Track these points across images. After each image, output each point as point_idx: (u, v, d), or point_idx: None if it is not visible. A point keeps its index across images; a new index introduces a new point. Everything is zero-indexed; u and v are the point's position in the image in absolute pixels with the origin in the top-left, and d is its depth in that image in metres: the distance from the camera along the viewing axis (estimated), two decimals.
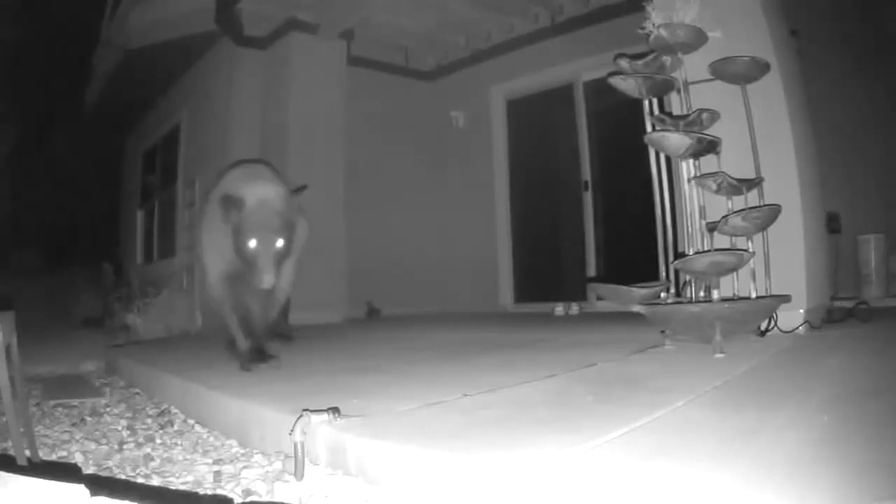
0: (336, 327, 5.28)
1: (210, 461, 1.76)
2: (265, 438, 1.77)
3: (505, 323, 5.13)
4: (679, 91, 2.90)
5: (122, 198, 9.95)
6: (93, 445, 2.01)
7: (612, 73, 2.92)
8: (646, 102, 2.91)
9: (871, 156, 4.39)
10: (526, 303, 6.40)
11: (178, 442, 2.01)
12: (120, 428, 2.26)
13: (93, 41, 8.04)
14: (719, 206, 2.76)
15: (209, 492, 1.49)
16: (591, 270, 5.89)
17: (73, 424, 2.33)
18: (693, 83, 2.90)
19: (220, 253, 2.71)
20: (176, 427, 2.23)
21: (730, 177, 2.67)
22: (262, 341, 2.87)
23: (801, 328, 2.80)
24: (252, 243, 2.44)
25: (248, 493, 1.45)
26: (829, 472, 1.06)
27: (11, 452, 1.65)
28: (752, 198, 2.74)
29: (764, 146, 2.80)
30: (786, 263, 2.81)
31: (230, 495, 1.43)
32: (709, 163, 2.82)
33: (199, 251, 3.07)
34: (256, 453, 1.76)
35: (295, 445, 1.43)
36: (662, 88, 2.89)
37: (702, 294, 2.73)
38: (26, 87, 11.28)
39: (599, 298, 5.47)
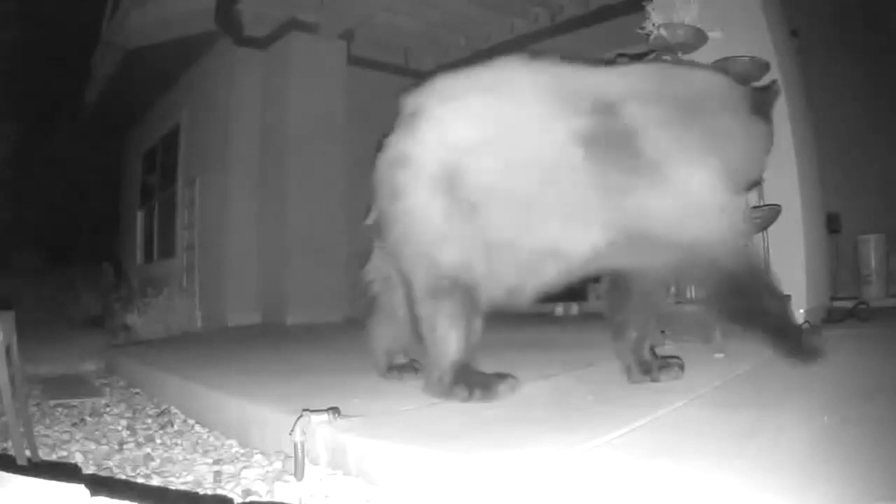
0: (336, 327, 5.28)
1: (210, 461, 1.76)
2: (265, 438, 1.77)
3: (505, 323, 5.13)
4: None
5: (122, 198, 9.95)
6: (93, 445, 2.01)
7: None
8: None
9: (871, 156, 4.39)
10: None
11: (178, 442, 2.02)
12: (120, 428, 2.26)
13: (93, 41, 8.05)
14: None
15: (209, 492, 1.49)
16: None
17: (73, 424, 2.34)
18: None
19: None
20: (176, 427, 2.23)
21: None
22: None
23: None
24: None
25: (248, 493, 1.45)
26: (829, 472, 1.06)
27: (11, 452, 1.65)
28: (752, 198, 2.74)
29: None
30: (786, 263, 2.81)
31: (230, 495, 1.43)
32: None
33: (414, 233, 1.75)
34: (256, 453, 1.76)
35: (295, 445, 1.43)
36: None
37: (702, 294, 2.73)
38: (26, 87, 11.28)
39: (599, 298, 5.46)
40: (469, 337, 1.71)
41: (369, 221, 1.95)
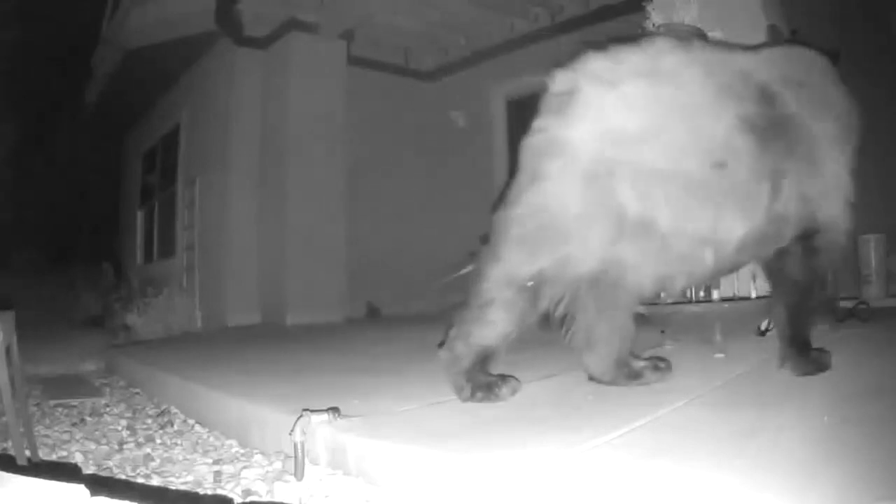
0: (336, 327, 5.28)
1: (210, 461, 1.76)
2: (265, 438, 1.77)
3: None
4: None
5: (122, 198, 9.95)
6: (93, 445, 2.01)
7: None
8: None
9: (872, 156, 4.38)
10: None
11: (178, 442, 2.02)
12: (120, 428, 2.26)
13: (93, 41, 8.04)
14: None
15: (209, 492, 1.49)
16: None
17: (73, 424, 2.34)
18: None
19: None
20: (176, 427, 2.23)
21: None
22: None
23: None
24: None
25: (248, 493, 1.45)
26: (829, 472, 1.06)
27: (11, 452, 1.65)
28: None
29: None
30: None
31: (230, 495, 1.43)
32: None
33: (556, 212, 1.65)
34: (256, 453, 1.76)
35: (295, 445, 1.43)
36: None
37: (702, 294, 2.73)
38: (26, 87, 11.28)
39: None
40: (511, 333, 1.72)
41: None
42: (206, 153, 6.58)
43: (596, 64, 1.72)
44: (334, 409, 1.54)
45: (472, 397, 1.71)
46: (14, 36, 10.51)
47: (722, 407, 1.56)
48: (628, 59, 1.73)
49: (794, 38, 3.58)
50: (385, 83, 6.83)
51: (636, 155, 1.63)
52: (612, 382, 1.86)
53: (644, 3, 2.94)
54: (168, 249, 7.42)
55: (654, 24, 2.83)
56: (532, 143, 1.75)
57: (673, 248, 1.68)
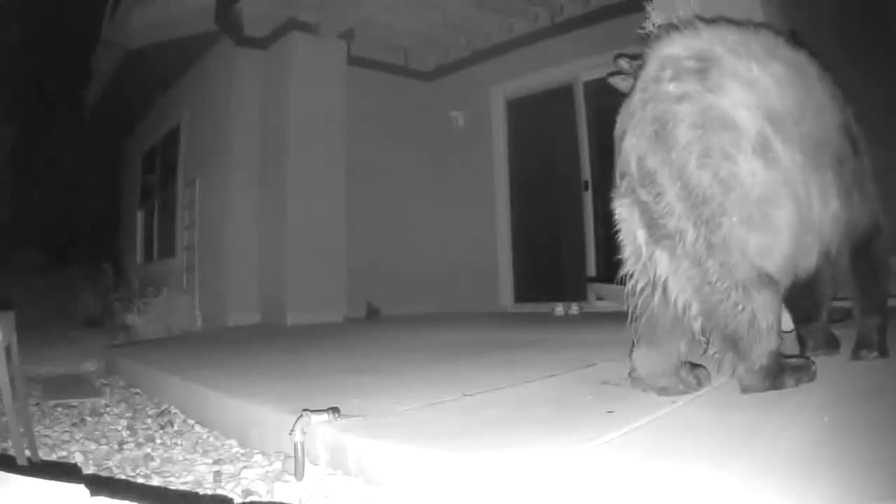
0: (336, 327, 5.28)
1: (210, 461, 1.76)
2: (265, 438, 1.77)
3: (505, 323, 5.14)
4: None
5: (122, 198, 9.95)
6: (93, 445, 2.01)
7: (611, 73, 2.91)
8: None
9: (871, 156, 4.38)
10: (526, 303, 6.40)
11: (178, 442, 2.02)
12: (120, 428, 2.26)
13: (93, 41, 8.05)
14: None
15: (209, 492, 1.49)
16: (591, 270, 5.89)
17: (73, 424, 2.34)
18: None
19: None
20: (176, 427, 2.23)
21: None
22: None
23: None
24: None
25: (248, 493, 1.45)
26: (829, 472, 1.06)
27: (11, 452, 1.65)
28: None
29: None
30: None
31: (230, 495, 1.43)
32: None
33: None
34: (256, 453, 1.76)
35: (295, 445, 1.43)
36: None
37: None
38: (26, 87, 11.28)
39: (599, 298, 5.47)
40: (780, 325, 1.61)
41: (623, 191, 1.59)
42: (206, 153, 6.58)
43: (728, 34, 1.60)
44: (334, 409, 1.54)
45: (798, 382, 1.64)
46: (14, 36, 10.51)
47: (722, 407, 1.55)
48: (755, 38, 1.63)
49: (795, 38, 3.59)
50: (385, 83, 6.83)
51: (787, 136, 1.53)
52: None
53: (644, 3, 2.93)
54: (168, 249, 7.42)
55: (654, 24, 2.83)
56: (681, 110, 1.48)
57: (800, 240, 1.59)
